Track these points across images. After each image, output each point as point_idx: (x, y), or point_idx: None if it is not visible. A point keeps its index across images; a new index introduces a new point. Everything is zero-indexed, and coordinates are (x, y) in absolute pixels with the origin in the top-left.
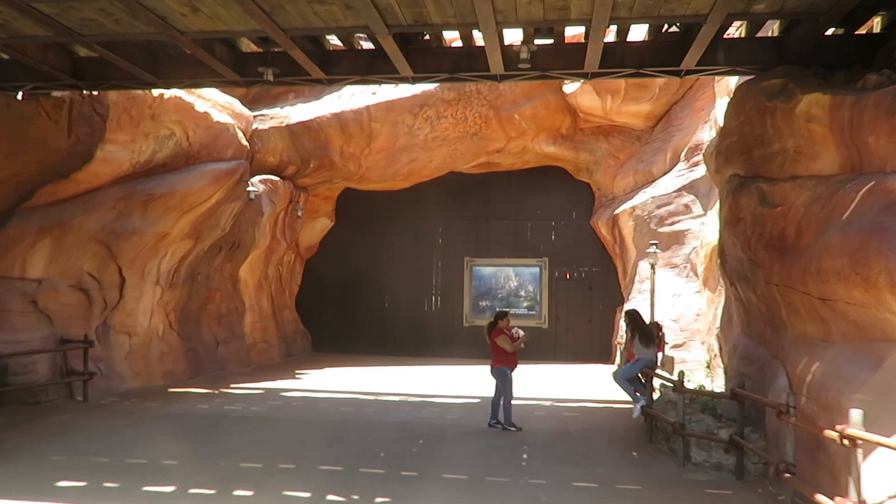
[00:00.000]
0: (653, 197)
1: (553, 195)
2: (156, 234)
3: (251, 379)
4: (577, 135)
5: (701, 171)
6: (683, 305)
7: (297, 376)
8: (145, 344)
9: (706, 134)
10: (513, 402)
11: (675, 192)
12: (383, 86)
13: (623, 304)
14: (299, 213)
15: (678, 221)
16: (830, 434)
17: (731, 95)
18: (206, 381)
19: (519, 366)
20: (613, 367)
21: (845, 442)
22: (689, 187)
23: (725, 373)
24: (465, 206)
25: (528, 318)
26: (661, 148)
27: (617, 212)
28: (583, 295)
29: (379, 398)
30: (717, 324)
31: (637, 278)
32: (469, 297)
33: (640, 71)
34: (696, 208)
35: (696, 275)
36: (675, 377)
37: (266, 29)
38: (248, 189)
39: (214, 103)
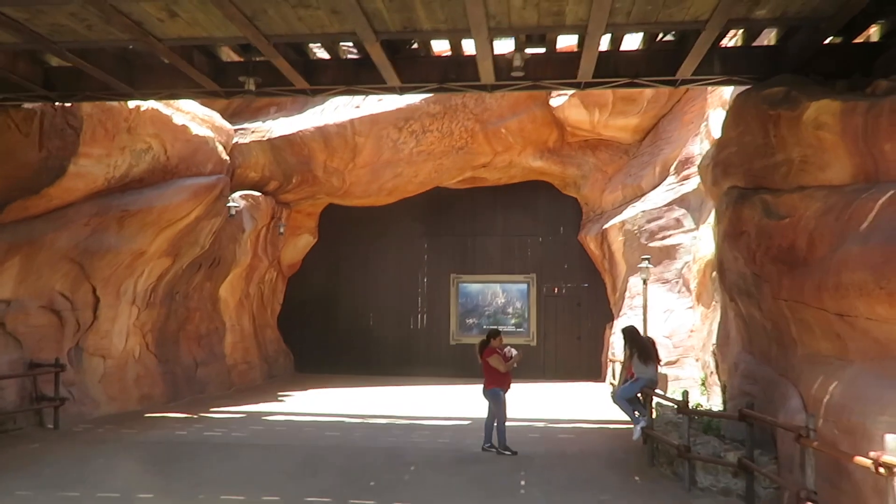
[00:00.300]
0: (643, 211)
1: (540, 210)
2: (132, 251)
3: (232, 402)
4: (564, 149)
5: (692, 184)
6: (676, 321)
7: (279, 398)
8: (120, 367)
9: (697, 147)
10: (506, 424)
11: (665, 206)
12: (368, 99)
13: (613, 320)
14: (281, 230)
15: (669, 236)
16: (862, 461)
17: (729, 105)
18: (184, 404)
19: (514, 387)
20: (603, 385)
21: (881, 470)
22: (680, 201)
23: (723, 391)
24: (451, 221)
25: (516, 336)
26: (649, 162)
27: (606, 226)
28: (571, 311)
29: (366, 421)
30: (713, 340)
31: (627, 294)
32: (456, 314)
33: (635, 81)
34: (688, 222)
35: (688, 290)
36: (671, 395)
37: (248, 35)
38: (228, 205)
39: (193, 116)
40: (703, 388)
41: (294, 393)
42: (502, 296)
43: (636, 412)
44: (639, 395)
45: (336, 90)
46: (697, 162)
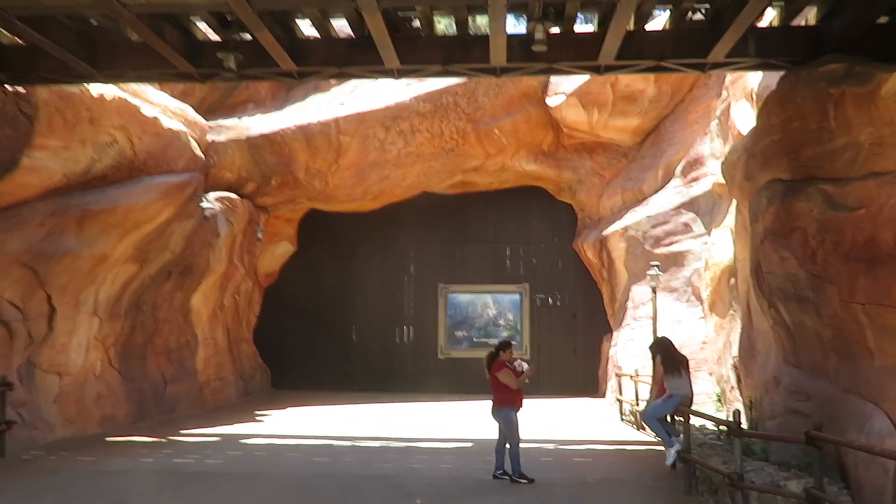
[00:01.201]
0: (648, 216)
1: (533, 217)
2: (93, 256)
3: (205, 423)
4: (559, 152)
5: (702, 186)
6: (686, 332)
7: (257, 418)
8: (79, 385)
9: (706, 147)
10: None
11: (672, 210)
12: (353, 96)
13: (611, 332)
14: (259, 236)
15: (677, 242)
16: None
17: (770, 91)
18: (151, 426)
19: (486, 402)
20: (603, 401)
21: None
22: (689, 204)
23: (749, 407)
24: (439, 228)
25: None
26: (651, 165)
27: (605, 233)
28: (566, 323)
29: (356, 444)
30: (734, 352)
31: (630, 304)
32: (444, 326)
33: (661, 64)
34: (697, 227)
35: (699, 299)
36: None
37: (228, 1)
38: (201, 205)
39: (164, 108)
40: (720, 404)
41: (272, 412)
42: (493, 307)
43: (669, 433)
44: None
45: (326, 73)
46: (707, 163)
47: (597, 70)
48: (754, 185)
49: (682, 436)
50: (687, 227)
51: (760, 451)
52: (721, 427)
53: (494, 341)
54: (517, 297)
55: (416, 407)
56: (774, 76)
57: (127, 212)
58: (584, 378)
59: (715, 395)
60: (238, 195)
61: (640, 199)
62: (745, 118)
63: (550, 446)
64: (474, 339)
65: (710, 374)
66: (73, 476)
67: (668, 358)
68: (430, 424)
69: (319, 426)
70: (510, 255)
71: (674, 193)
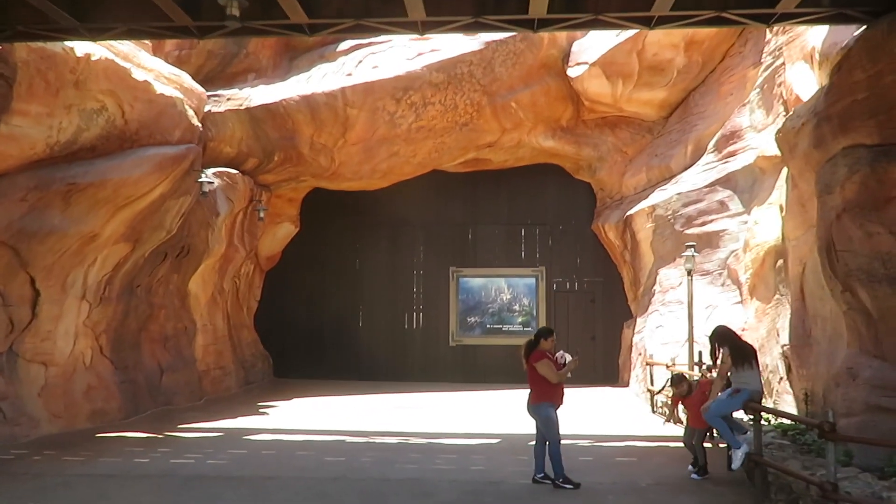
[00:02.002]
0: (678, 194)
1: (549, 197)
2: (81, 234)
3: (205, 416)
4: (578, 127)
5: (740, 161)
6: (721, 319)
7: (260, 411)
8: (67, 376)
9: (745, 118)
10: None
11: (706, 187)
12: (361, 66)
13: (632, 318)
14: (261, 215)
15: (711, 221)
16: None
17: (859, 41)
18: (146, 420)
19: (526, 393)
20: (626, 391)
21: None
22: (725, 181)
23: (804, 401)
24: (451, 209)
25: (523, 336)
26: (679, 140)
27: (630, 213)
28: (584, 309)
29: (372, 440)
30: (783, 340)
31: (657, 288)
32: (455, 312)
33: (722, 15)
34: (735, 205)
35: (734, 283)
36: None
37: None
38: (199, 181)
39: (158, 74)
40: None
41: (277, 403)
42: (507, 291)
43: (735, 433)
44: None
45: (342, 26)
46: (745, 136)
47: (647, 23)
48: (825, 153)
49: (748, 434)
50: (722, 206)
51: (843, 455)
52: (791, 424)
53: (509, 328)
54: (532, 281)
55: (428, 397)
56: (841, 32)
57: (118, 186)
58: (604, 366)
59: None
60: (238, 172)
61: (667, 177)
62: (804, 81)
63: (586, 443)
64: (487, 326)
65: None
66: (56, 481)
67: (736, 349)
68: (447, 417)
69: (329, 420)
70: (525, 237)
71: (707, 170)
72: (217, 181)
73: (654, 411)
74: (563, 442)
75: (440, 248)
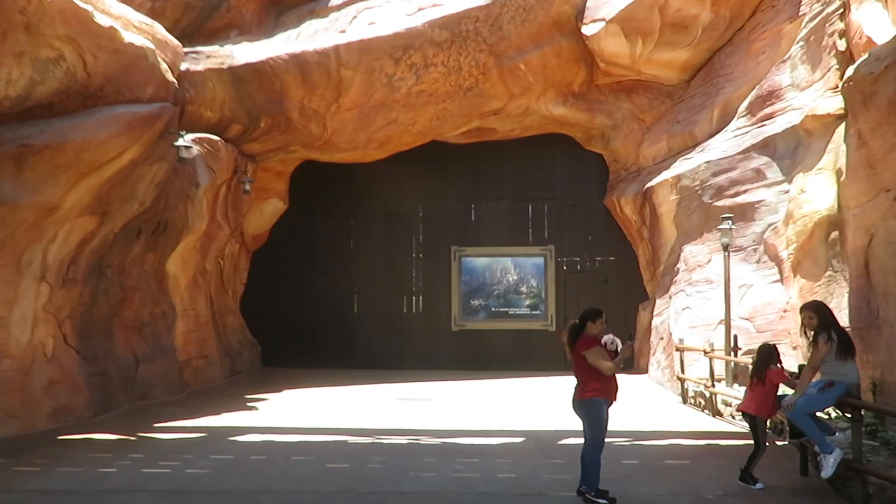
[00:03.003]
0: (707, 162)
1: (558, 170)
2: (38, 205)
3: (185, 412)
4: (591, 93)
5: (778, 125)
6: (757, 299)
7: (248, 405)
8: (24, 369)
9: (785, 76)
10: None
11: (739, 154)
12: (356, 21)
13: (648, 300)
14: (247, 188)
15: (745, 192)
16: None
17: None
18: (119, 418)
19: (538, 381)
20: (644, 378)
21: None
22: (762, 147)
23: (871, 391)
24: (452, 183)
25: (531, 320)
26: (703, 105)
27: (651, 185)
28: (596, 290)
29: (378, 442)
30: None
31: (682, 267)
32: (458, 295)
33: None
34: (773, 173)
35: (772, 259)
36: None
37: None
38: (176, 144)
39: (126, 22)
40: None
41: (267, 396)
42: (514, 272)
43: (824, 433)
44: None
45: None
46: (786, 96)
47: None
48: None
49: (837, 434)
50: (758, 174)
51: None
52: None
53: (515, 311)
54: (540, 260)
55: (431, 387)
56: None
57: (80, 149)
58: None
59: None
60: (221, 139)
61: (690, 145)
62: (877, 22)
63: (624, 441)
64: (492, 309)
65: (794, 348)
66: (4, 499)
67: (841, 336)
68: (457, 411)
69: (326, 415)
70: (532, 214)
71: (739, 135)
72: (197, 148)
73: (685, 401)
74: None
75: (441, 225)
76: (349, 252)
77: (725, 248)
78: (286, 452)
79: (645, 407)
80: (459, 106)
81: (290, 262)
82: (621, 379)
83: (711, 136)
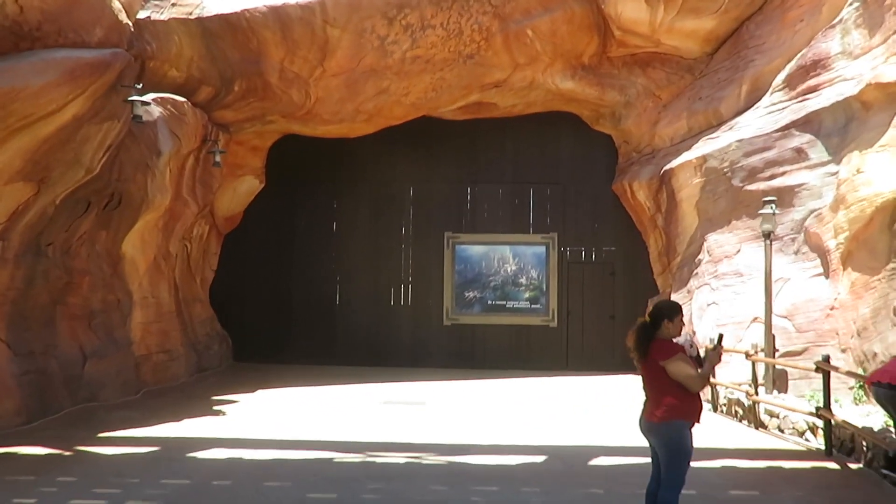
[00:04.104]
0: (738, 141)
1: (563, 151)
2: None
3: (139, 416)
4: (603, 66)
5: (825, 98)
6: (797, 295)
7: (215, 409)
8: None
9: (834, 44)
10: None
11: (776, 131)
12: None
13: (660, 294)
14: (217, 159)
15: (782, 174)
16: None
17: None
18: (56, 427)
19: (541, 383)
20: None
21: None
22: (804, 123)
23: None
24: (447, 163)
25: (531, 314)
26: (730, 79)
27: (670, 167)
28: (603, 283)
29: (370, 460)
30: None
31: (705, 258)
32: (451, 286)
33: None
34: (816, 153)
35: (815, 250)
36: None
37: None
38: (131, 99)
39: None
40: (861, 393)
41: (237, 397)
42: (512, 262)
43: None
44: None
45: None
46: (834, 65)
47: None
48: None
49: None
50: (799, 154)
51: None
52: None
53: (514, 305)
54: (542, 249)
55: (422, 388)
56: None
57: (8, 99)
58: (623, 350)
59: (855, 384)
60: (188, 102)
61: (715, 124)
62: None
63: None
64: (489, 302)
65: (844, 350)
66: None
67: None
68: (457, 418)
69: (305, 422)
70: (534, 198)
71: (774, 111)
72: (159, 109)
73: (715, 409)
74: (629, 461)
75: (433, 209)
76: (332, 237)
77: (767, 235)
78: (257, 476)
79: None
80: (458, 75)
81: (266, 247)
82: (631, 382)
83: (739, 113)
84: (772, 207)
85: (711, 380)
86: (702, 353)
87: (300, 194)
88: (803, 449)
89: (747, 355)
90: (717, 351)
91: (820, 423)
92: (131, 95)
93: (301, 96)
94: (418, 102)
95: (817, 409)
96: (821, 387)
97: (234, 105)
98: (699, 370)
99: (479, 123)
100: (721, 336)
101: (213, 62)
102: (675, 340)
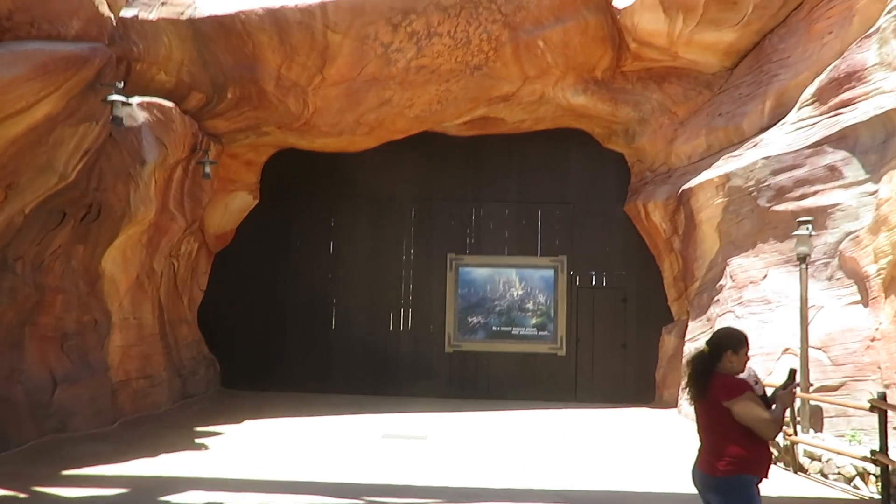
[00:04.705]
0: (765, 158)
1: (572, 170)
2: None
3: (111, 451)
4: (616, 80)
5: (861, 112)
6: (832, 324)
7: (197, 442)
8: None
9: (870, 54)
10: None
11: (807, 148)
12: None
13: (674, 321)
14: (206, 170)
15: (814, 193)
16: None
17: None
18: (17, 462)
19: (550, 415)
20: (668, 414)
21: None
22: (838, 140)
23: None
24: (450, 181)
25: (538, 342)
26: (753, 94)
27: (689, 186)
28: (614, 309)
29: None
30: None
31: (727, 283)
32: (453, 311)
33: None
34: (852, 171)
35: (850, 276)
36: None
37: None
38: (111, 99)
39: None
40: None
41: (222, 429)
42: (519, 286)
43: None
44: None
45: None
46: (871, 77)
47: None
48: None
49: None
50: (833, 172)
51: None
52: None
53: (520, 331)
54: (550, 273)
55: (424, 421)
56: None
57: None
58: (636, 382)
59: None
60: (176, 107)
61: (736, 141)
62: None
63: None
64: (493, 328)
65: (888, 386)
66: None
67: None
68: (463, 455)
69: (297, 460)
70: (541, 219)
71: (803, 126)
72: (144, 114)
73: None
74: None
75: (436, 229)
76: (328, 257)
77: (803, 259)
78: None
79: (688, 453)
80: (465, 87)
81: (259, 266)
82: (645, 415)
83: (763, 130)
84: (808, 228)
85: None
86: (768, 392)
87: (295, 211)
88: (854, 498)
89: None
90: (789, 390)
91: (872, 468)
92: (111, 95)
93: (298, 106)
94: (422, 115)
95: (873, 452)
96: (861, 425)
97: (227, 114)
98: (774, 412)
99: (485, 140)
100: (794, 372)
101: (204, 67)
102: (738, 376)
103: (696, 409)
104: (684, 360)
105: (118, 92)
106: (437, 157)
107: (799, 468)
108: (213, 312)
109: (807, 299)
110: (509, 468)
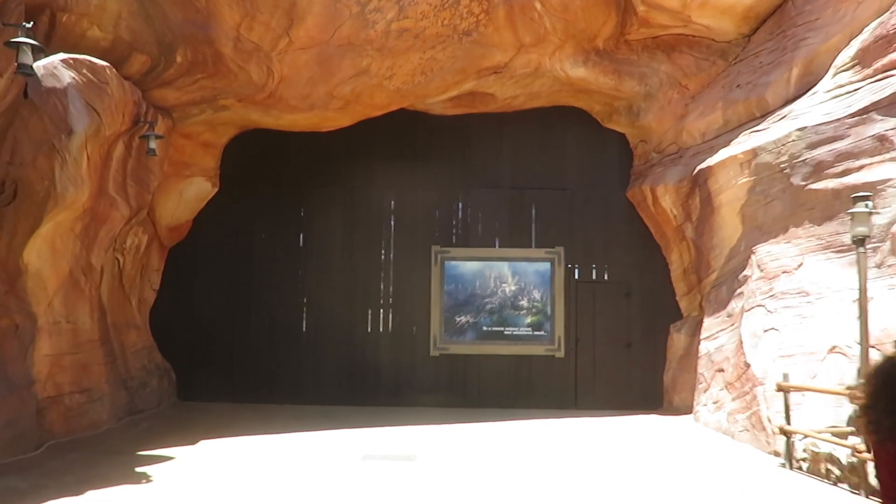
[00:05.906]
0: (800, 129)
1: (569, 152)
2: None
3: (25, 488)
4: (620, 50)
5: None
6: (886, 318)
7: (138, 472)
8: None
9: None
10: None
11: (849, 116)
12: None
13: (685, 318)
14: (152, 145)
15: (859, 168)
16: None
17: None
18: None
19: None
20: (682, 421)
21: None
22: (889, 106)
23: None
24: (435, 165)
25: (534, 343)
26: (775, 63)
27: (707, 165)
28: (617, 305)
29: None
30: None
31: (755, 274)
32: (439, 309)
33: None
34: None
35: None
36: None
37: None
38: (15, 41)
39: None
40: None
41: (172, 452)
42: (512, 281)
43: None
44: None
45: None
46: None
47: None
48: None
49: None
50: (883, 143)
51: None
52: None
53: (513, 331)
54: (546, 266)
55: (410, 437)
56: None
57: None
58: (642, 385)
59: None
60: (112, 68)
61: (758, 115)
62: None
63: None
64: (483, 329)
65: None
66: None
67: None
68: (459, 480)
69: (260, 491)
70: (536, 207)
71: (843, 94)
72: (70, 73)
73: (790, 465)
74: None
75: (418, 219)
76: (298, 251)
77: (861, 241)
78: None
79: (727, 474)
80: (452, 56)
81: (220, 262)
82: (656, 423)
83: (789, 101)
84: (867, 205)
85: (786, 427)
86: None
87: (260, 200)
88: None
89: (853, 397)
90: None
91: None
92: (17, 37)
93: (262, 73)
94: (404, 88)
95: None
96: None
97: (178, 82)
98: None
99: (473, 119)
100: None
101: (148, 22)
102: None
103: (874, 448)
104: (865, 374)
105: (25, 33)
106: (420, 139)
107: (872, 491)
108: (168, 315)
109: (865, 290)
110: (513, 495)
